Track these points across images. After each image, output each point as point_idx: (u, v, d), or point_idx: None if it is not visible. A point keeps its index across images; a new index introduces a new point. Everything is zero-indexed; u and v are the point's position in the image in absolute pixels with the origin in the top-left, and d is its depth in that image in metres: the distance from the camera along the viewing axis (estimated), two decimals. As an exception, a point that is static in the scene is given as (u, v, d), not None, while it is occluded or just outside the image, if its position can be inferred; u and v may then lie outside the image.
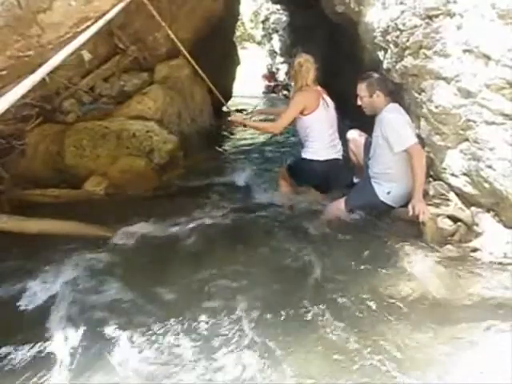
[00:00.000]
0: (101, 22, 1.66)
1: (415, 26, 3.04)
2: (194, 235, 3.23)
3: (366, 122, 3.60)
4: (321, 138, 3.64)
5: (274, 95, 13.37)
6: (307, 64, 3.61)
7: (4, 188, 3.89)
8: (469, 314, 2.32)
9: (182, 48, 3.65)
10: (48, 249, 3.02)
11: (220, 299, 2.50)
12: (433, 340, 2.15)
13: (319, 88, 3.70)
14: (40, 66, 3.44)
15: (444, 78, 2.90)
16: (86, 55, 4.39)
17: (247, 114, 4.19)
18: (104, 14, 1.78)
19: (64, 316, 2.40)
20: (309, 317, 2.36)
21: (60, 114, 4.58)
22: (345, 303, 2.46)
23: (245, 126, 3.89)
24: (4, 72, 2.40)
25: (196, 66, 3.79)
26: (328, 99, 3.70)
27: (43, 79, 4.16)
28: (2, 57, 2.20)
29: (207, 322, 2.32)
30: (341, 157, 3.78)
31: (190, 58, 3.78)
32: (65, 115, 4.57)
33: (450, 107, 2.88)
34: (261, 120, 4.33)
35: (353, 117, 3.99)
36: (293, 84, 3.83)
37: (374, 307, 2.41)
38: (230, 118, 3.98)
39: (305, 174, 3.78)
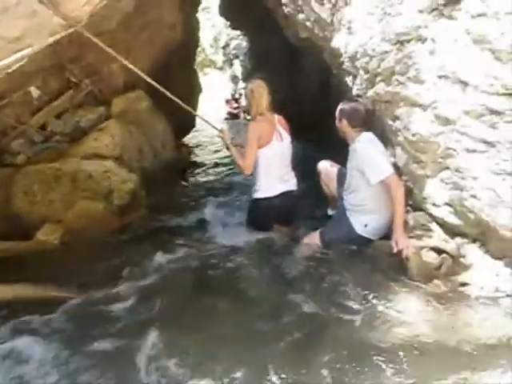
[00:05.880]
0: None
1: (386, 52, 2.92)
2: (161, 290, 2.93)
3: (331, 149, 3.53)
4: (270, 173, 3.53)
5: (237, 121, 13.30)
6: (259, 89, 3.52)
7: None
8: (462, 358, 2.16)
9: (144, 75, 3.42)
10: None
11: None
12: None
13: (276, 116, 3.57)
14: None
15: (420, 105, 2.78)
16: (35, 92, 4.09)
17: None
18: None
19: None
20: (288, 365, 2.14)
21: (8, 156, 4.22)
22: (325, 352, 2.23)
23: (227, 148, 3.72)
24: None
25: (162, 89, 3.55)
26: (283, 132, 3.55)
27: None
28: None
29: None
30: (295, 187, 3.67)
31: (154, 83, 3.54)
32: (14, 157, 4.21)
33: (428, 135, 2.76)
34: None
35: (315, 147, 3.91)
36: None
37: (359, 356, 2.20)
38: (219, 134, 3.77)
39: (261, 215, 3.64)
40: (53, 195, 3.88)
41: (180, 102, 3.75)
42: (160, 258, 3.38)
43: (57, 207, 3.87)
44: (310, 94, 7.77)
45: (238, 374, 2.11)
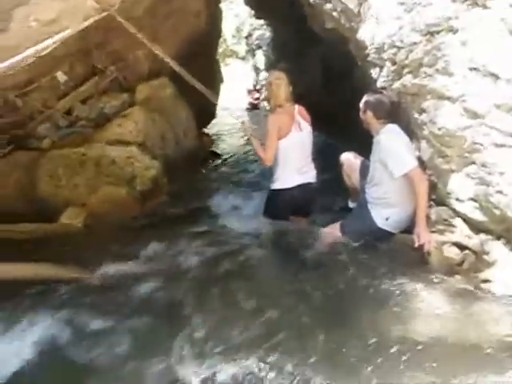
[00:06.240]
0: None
1: (414, 43, 2.85)
2: (183, 275, 2.96)
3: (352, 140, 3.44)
4: (289, 165, 3.50)
5: (257, 111, 13.24)
6: (276, 81, 3.50)
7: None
8: (481, 356, 2.13)
9: (169, 60, 3.43)
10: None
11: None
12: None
13: (296, 107, 3.54)
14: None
15: (448, 98, 2.70)
16: (61, 77, 4.13)
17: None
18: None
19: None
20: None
21: (34, 140, 4.28)
22: (346, 349, 2.22)
23: (248, 138, 3.77)
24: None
25: (187, 75, 3.56)
26: (302, 122, 3.52)
27: (15, 103, 3.99)
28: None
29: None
30: (314, 180, 3.64)
31: (180, 70, 3.56)
32: (39, 141, 4.27)
33: (455, 129, 2.68)
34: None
35: (337, 137, 3.86)
36: None
37: (379, 353, 2.18)
38: (242, 126, 3.84)
39: (279, 205, 3.62)
40: (77, 179, 3.94)
41: (206, 93, 3.76)
42: (180, 243, 3.41)
43: (81, 191, 3.93)
44: (333, 86, 7.66)
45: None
